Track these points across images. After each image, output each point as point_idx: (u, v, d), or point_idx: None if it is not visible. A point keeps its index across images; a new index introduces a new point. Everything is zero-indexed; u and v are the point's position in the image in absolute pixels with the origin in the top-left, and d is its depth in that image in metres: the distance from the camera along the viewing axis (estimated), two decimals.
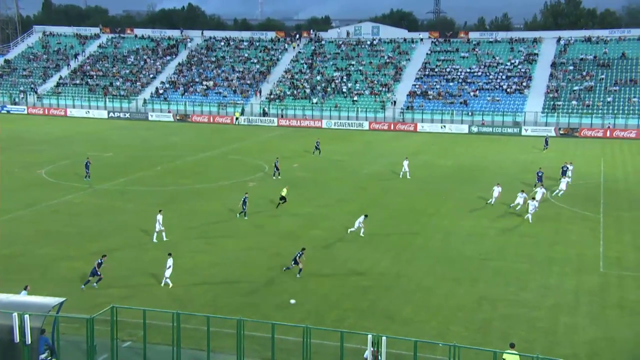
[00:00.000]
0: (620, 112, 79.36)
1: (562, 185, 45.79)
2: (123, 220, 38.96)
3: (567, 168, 49.65)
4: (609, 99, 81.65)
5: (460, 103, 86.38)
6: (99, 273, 27.60)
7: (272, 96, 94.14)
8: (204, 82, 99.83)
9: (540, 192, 42.58)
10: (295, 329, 21.08)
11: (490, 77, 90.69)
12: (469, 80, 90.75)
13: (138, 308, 22.19)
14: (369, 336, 18.78)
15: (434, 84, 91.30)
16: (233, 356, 20.43)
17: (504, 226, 38.48)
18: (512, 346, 19.67)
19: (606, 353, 22.44)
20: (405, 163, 52.50)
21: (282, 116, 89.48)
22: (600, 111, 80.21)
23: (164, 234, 34.77)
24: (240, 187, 48.21)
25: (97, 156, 54.42)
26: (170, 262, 28.11)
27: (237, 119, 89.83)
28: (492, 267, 31.30)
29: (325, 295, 27.51)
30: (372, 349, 18.94)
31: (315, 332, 20.31)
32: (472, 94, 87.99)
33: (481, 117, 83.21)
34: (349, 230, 35.87)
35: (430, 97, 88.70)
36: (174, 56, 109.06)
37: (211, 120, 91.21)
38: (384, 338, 18.42)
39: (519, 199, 41.14)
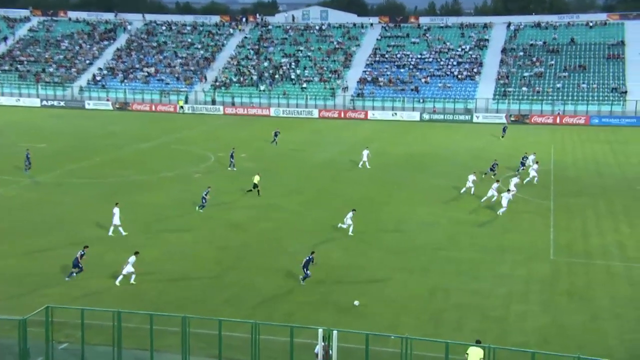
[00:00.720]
0: (570, 98, 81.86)
1: (533, 172, 46.38)
2: (60, 214, 37.90)
3: (527, 159, 50.04)
4: (558, 85, 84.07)
5: (412, 90, 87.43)
6: (80, 265, 27.57)
7: (217, 83, 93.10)
8: (145, 69, 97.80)
9: (513, 182, 42.18)
10: (243, 324, 20.97)
11: (441, 63, 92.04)
12: (419, 67, 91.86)
13: (74, 307, 21.66)
14: (320, 330, 18.85)
15: (385, 70, 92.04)
16: (178, 355, 20.20)
17: (457, 215, 39.22)
18: (478, 342, 19.81)
19: (556, 339, 23.20)
20: (365, 153, 52.60)
21: (233, 104, 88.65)
22: (550, 97, 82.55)
23: (120, 228, 34.03)
24: (184, 179, 47.59)
25: (30, 147, 52.62)
26: (132, 260, 27.50)
27: (181, 107, 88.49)
28: (445, 257, 31.89)
29: (275, 290, 27.51)
30: (323, 343, 19.03)
31: (263, 328, 20.28)
32: (423, 80, 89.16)
33: (432, 104, 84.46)
34: (339, 225, 35.24)
35: (381, 83, 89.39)
36: (112, 41, 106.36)
37: (153, 108, 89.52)
38: (334, 332, 18.52)
39: (492, 191, 40.76)
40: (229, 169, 50.89)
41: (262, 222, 37.40)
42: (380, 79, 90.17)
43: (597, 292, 27.45)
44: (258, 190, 42.37)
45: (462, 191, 43.56)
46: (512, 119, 79.34)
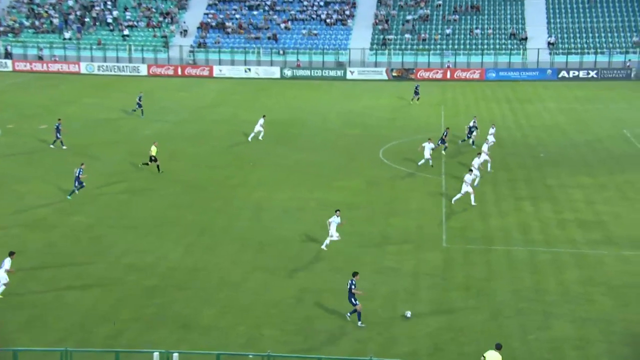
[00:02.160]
0: (462, 47, 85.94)
1: (492, 139, 47.88)
2: None
3: (476, 127, 50.78)
4: (447, 31, 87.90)
5: (269, 38, 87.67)
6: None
7: (1, 29, 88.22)
8: None
9: (477, 161, 42.58)
10: (51, 354, 20.23)
11: (305, 3, 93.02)
12: (277, 8, 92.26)
13: None
14: (155, 354, 18.58)
15: (233, 12, 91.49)
16: None
17: (328, 197, 40.04)
18: (498, 347, 21.40)
19: (451, 346, 24.46)
20: (261, 121, 51.88)
21: (25, 57, 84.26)
22: (438, 46, 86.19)
23: None
24: None
25: None
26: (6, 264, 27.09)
27: None
28: (315, 250, 32.49)
29: (94, 305, 26.86)
30: None
31: (78, 356, 19.67)
32: (282, 26, 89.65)
33: (296, 56, 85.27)
34: (324, 245, 32.57)
35: (229, 30, 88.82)
36: None
37: None
38: (175, 354, 18.34)
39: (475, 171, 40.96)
40: (53, 146, 48.85)
41: (74, 216, 36.37)
42: (227, 23, 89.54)
43: (498, 284, 29.20)
44: (158, 166, 43.56)
45: (419, 163, 45.06)
46: (394, 74, 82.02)
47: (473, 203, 38.34)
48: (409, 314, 26.30)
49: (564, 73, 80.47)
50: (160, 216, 36.58)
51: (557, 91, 73.28)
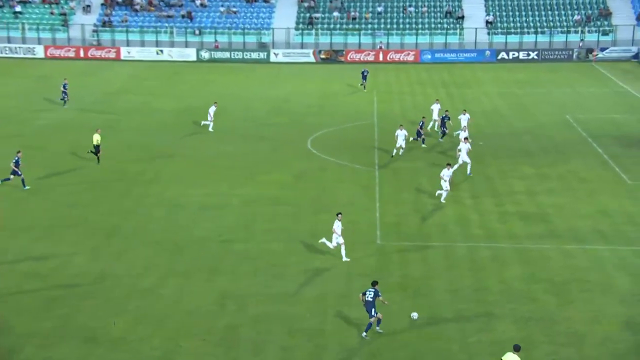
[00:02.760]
0: (395, 26, 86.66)
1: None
2: None
3: (448, 117, 50.51)
4: (379, 9, 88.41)
5: (183, 17, 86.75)
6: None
7: None
8: None
9: (462, 150, 42.87)
10: None
11: None
12: None
13: None
14: None
15: None
16: None
17: (252, 192, 40.01)
18: (517, 349, 21.93)
19: (387, 352, 24.72)
20: (212, 110, 51.96)
21: None
22: (369, 26, 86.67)
23: None
24: None
25: None
26: None
27: None
28: (237, 251, 32.43)
29: None
30: None
31: None
32: (198, 2, 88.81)
33: (214, 37, 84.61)
34: (328, 243, 32.21)
35: (137, 7, 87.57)
36: None
37: None
38: None
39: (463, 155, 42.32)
40: None
41: None
42: (136, 0, 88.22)
43: (436, 283, 29.67)
44: (98, 157, 44.01)
45: (392, 154, 45.73)
46: (322, 56, 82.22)
47: (442, 201, 38.71)
48: (415, 315, 26.59)
49: (503, 54, 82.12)
50: (60, 216, 35.93)
51: (496, 74, 74.72)
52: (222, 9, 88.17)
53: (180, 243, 33.23)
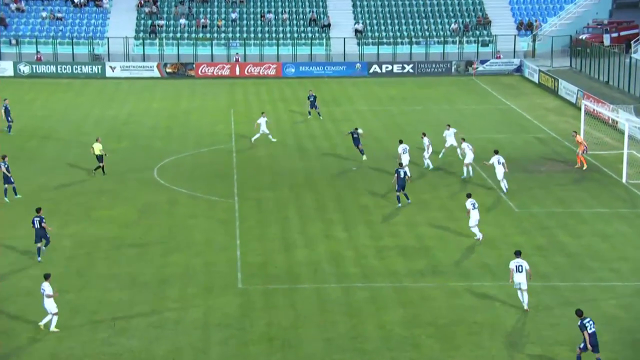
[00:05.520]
0: (252, 36, 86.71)
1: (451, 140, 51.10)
2: None
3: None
4: (233, 15, 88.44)
5: None
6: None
7: None
8: None
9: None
10: None
11: None
12: None
13: None
14: None
15: None
16: None
17: (84, 231, 39.22)
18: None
19: None
20: (262, 121, 54.05)
21: None
22: (223, 35, 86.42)
23: None
24: None
25: None
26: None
27: None
28: (69, 303, 31.29)
29: None
30: None
31: None
32: (12, 6, 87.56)
33: (35, 47, 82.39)
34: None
35: None
36: None
37: None
38: None
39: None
40: None
41: None
42: None
43: (307, 332, 29.44)
44: (103, 168, 46.73)
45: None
46: (168, 70, 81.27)
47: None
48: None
49: (375, 67, 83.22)
50: None
51: (368, 89, 75.85)
52: (44, 14, 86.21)
53: None
